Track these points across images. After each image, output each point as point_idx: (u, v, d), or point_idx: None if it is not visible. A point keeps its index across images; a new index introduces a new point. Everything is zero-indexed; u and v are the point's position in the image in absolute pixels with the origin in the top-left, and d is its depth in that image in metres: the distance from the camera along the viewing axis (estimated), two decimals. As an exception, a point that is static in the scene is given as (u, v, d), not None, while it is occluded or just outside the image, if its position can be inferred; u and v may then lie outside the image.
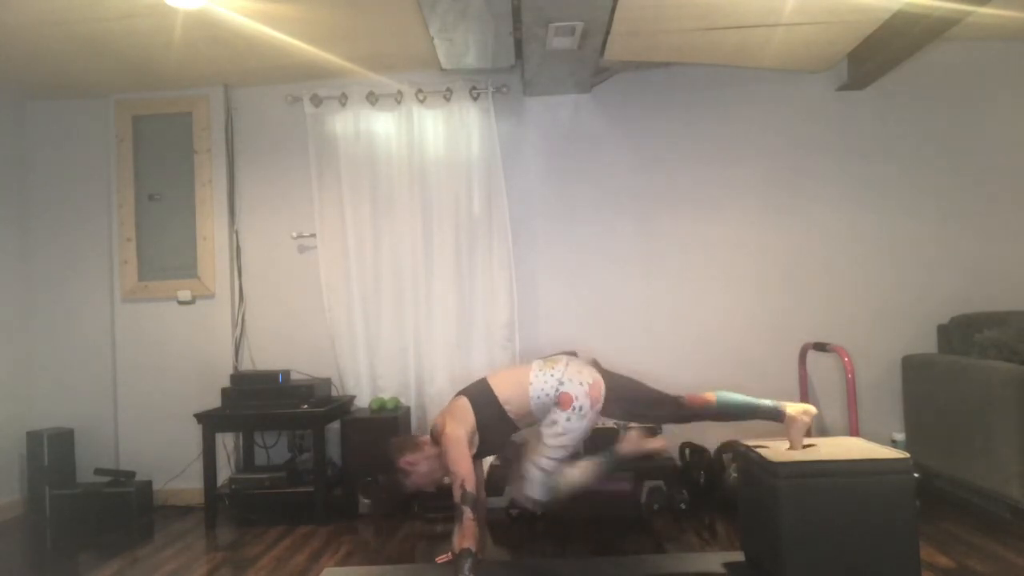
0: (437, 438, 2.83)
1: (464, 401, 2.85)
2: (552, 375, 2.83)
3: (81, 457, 4.35)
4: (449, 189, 4.22)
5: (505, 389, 2.85)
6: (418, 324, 4.21)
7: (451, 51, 3.74)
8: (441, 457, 2.79)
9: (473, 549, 2.59)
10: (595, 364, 3.00)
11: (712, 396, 2.95)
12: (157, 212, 4.43)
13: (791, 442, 2.81)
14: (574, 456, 2.88)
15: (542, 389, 2.81)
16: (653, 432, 3.49)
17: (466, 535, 2.61)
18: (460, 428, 2.77)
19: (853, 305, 4.20)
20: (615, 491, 3.91)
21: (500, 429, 2.87)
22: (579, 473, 2.88)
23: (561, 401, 2.78)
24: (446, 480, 2.81)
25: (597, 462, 2.96)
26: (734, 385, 4.09)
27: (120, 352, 4.40)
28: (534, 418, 2.87)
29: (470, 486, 2.66)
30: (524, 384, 2.84)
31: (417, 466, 2.86)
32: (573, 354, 3.03)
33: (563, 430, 2.78)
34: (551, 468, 2.79)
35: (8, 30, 3.50)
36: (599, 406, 2.83)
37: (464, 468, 2.68)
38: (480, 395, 2.86)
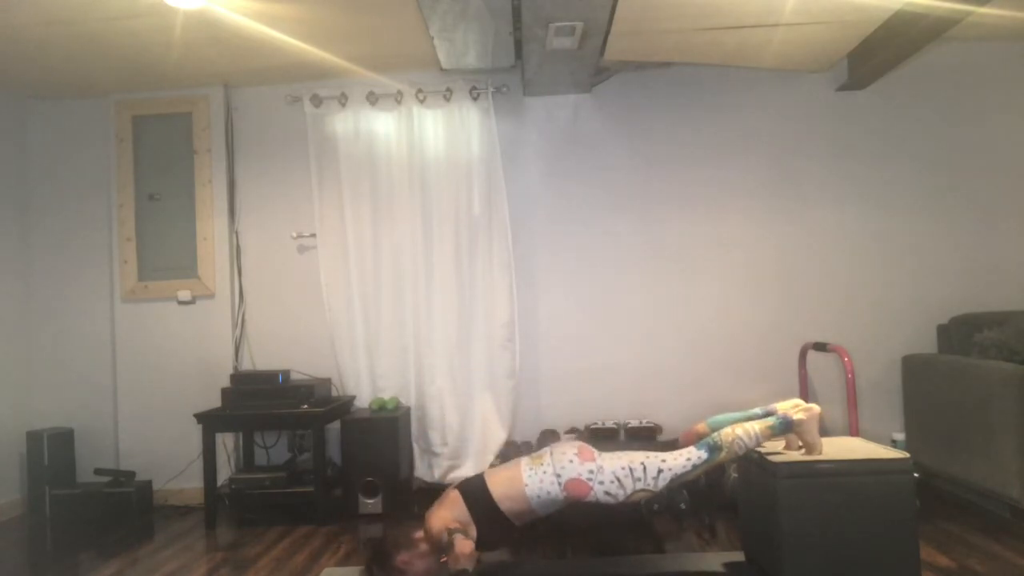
0: (427, 532, 2.71)
1: (455, 494, 2.76)
2: (544, 471, 2.71)
3: (81, 457, 4.35)
4: (449, 189, 4.22)
5: (499, 486, 2.73)
6: (418, 324, 4.21)
7: (451, 51, 3.74)
8: (433, 550, 2.67)
9: (469, 568, 2.51)
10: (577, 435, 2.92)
11: (703, 426, 2.87)
12: (157, 212, 4.43)
13: (808, 447, 2.67)
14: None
15: (540, 488, 2.70)
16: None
17: (459, 556, 2.52)
18: (447, 513, 2.69)
19: (853, 305, 4.20)
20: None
21: (495, 526, 2.75)
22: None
23: (576, 491, 2.67)
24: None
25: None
26: (733, 384, 4.13)
27: (120, 352, 4.40)
28: (536, 515, 2.77)
29: (452, 525, 2.59)
30: (518, 483, 2.72)
31: (412, 565, 2.67)
32: (555, 435, 2.92)
33: (615, 487, 2.67)
34: (665, 482, 2.66)
35: (8, 30, 3.50)
36: (598, 455, 2.73)
37: (438, 525, 2.61)
38: (474, 490, 2.76)
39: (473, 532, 2.68)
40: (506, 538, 2.88)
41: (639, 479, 2.66)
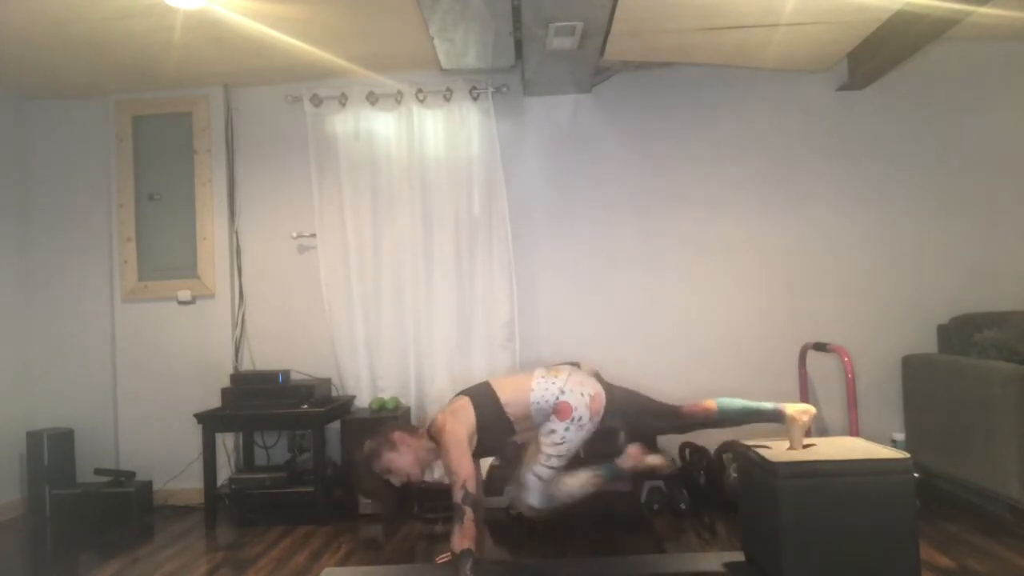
0: (435, 435, 2.82)
1: (466, 400, 2.85)
2: (554, 383, 2.84)
3: (81, 457, 4.35)
4: (449, 189, 4.22)
5: (506, 391, 2.86)
6: (418, 324, 4.21)
7: (451, 51, 3.74)
8: (440, 455, 2.79)
9: (473, 549, 2.60)
10: (597, 376, 3.02)
11: (712, 403, 2.96)
12: (157, 212, 4.43)
13: (791, 442, 2.82)
14: (572, 465, 2.91)
15: (543, 396, 2.82)
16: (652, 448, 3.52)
17: (466, 535, 2.61)
18: (461, 427, 2.76)
19: (853, 305, 4.20)
20: (615, 491, 3.91)
21: (498, 431, 2.86)
22: (577, 484, 2.92)
23: (560, 410, 2.80)
24: (438, 476, 2.82)
25: (596, 474, 2.99)
26: (734, 384, 4.12)
27: (120, 352, 4.40)
28: (532, 423, 2.87)
29: (472, 487, 2.66)
30: (526, 389, 2.85)
31: (405, 444, 2.85)
32: (576, 365, 3.04)
33: (560, 439, 2.80)
34: (548, 477, 2.82)
35: (8, 30, 3.50)
36: (598, 418, 2.85)
37: (466, 469, 2.68)
38: (481, 396, 2.87)
39: (474, 441, 2.81)
40: (503, 446, 2.98)
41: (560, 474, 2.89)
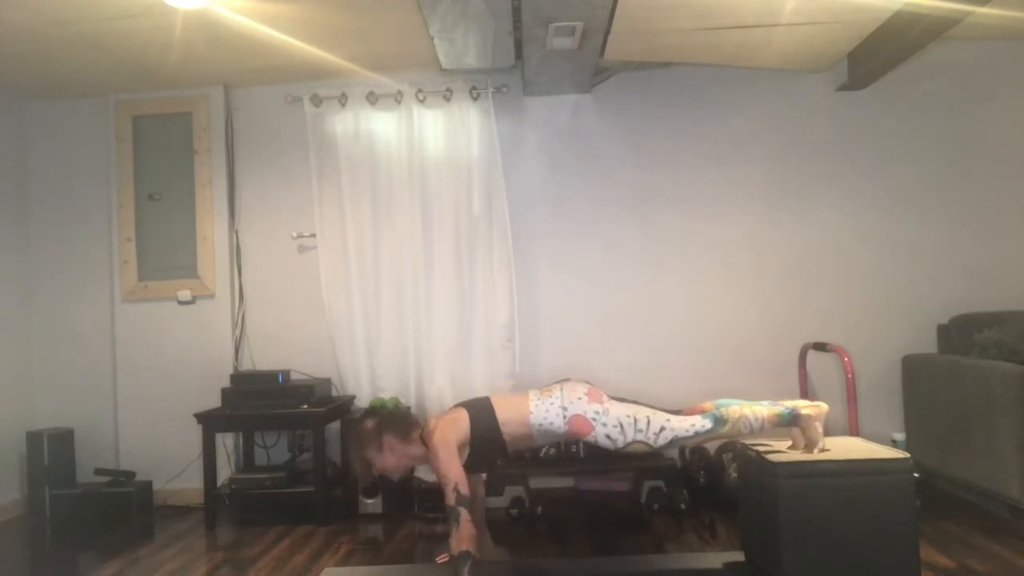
0: (426, 440, 2.81)
1: (465, 415, 2.82)
2: (552, 403, 2.78)
3: (81, 457, 4.35)
4: (449, 189, 4.22)
5: (505, 411, 2.81)
6: (418, 324, 4.20)
7: (451, 51, 3.74)
8: (429, 460, 2.77)
9: (471, 551, 2.59)
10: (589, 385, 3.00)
11: (710, 405, 2.86)
12: (157, 212, 4.43)
13: (809, 443, 2.70)
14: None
15: (545, 417, 2.76)
16: None
17: (464, 537, 2.60)
18: (452, 435, 2.74)
19: (853, 305, 4.20)
20: (615, 491, 3.92)
21: (490, 448, 2.84)
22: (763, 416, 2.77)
23: (579, 427, 2.73)
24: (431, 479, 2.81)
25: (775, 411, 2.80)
26: (734, 384, 4.12)
27: (120, 352, 4.40)
28: (531, 443, 2.85)
29: (464, 489, 2.64)
30: (524, 411, 2.79)
31: (391, 450, 2.81)
32: (566, 380, 3.02)
33: (619, 430, 2.71)
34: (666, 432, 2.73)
35: (8, 30, 3.50)
36: (606, 399, 2.80)
37: (456, 472, 2.66)
38: (480, 412, 2.82)
39: (465, 453, 2.77)
40: (492, 463, 2.98)
41: (640, 431, 2.72)
